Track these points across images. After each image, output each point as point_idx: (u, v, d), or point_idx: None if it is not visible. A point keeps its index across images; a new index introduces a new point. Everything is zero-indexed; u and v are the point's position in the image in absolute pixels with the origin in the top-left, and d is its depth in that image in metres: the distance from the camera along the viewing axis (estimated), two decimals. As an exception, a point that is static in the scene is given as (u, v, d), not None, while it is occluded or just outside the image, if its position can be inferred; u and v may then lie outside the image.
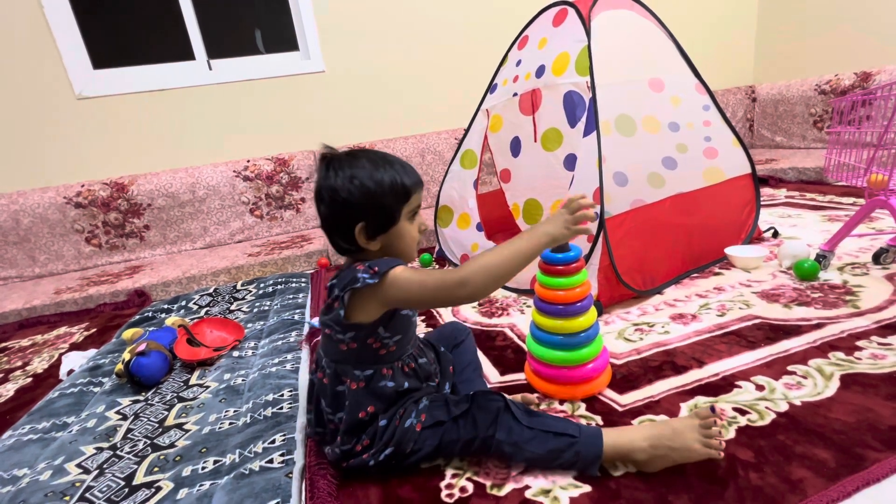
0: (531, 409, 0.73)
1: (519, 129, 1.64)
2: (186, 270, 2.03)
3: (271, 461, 0.79)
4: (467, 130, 1.78)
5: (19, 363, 1.46)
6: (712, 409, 0.67)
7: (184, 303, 1.74)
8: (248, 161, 2.50)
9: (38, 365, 1.42)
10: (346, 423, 0.74)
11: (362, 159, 0.69)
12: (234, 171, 2.47)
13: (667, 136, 1.48)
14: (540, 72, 1.50)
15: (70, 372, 1.29)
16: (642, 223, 1.31)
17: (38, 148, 2.29)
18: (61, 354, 1.46)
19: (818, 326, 1.00)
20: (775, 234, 1.60)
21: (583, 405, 0.85)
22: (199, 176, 2.43)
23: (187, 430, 0.94)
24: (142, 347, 1.14)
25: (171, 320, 1.36)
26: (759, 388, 0.83)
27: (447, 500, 0.68)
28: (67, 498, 0.79)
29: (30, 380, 1.32)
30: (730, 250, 1.42)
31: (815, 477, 0.63)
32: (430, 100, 2.73)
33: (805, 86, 2.78)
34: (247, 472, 0.77)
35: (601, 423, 0.80)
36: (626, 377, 0.92)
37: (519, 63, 1.63)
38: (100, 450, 0.91)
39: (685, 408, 0.80)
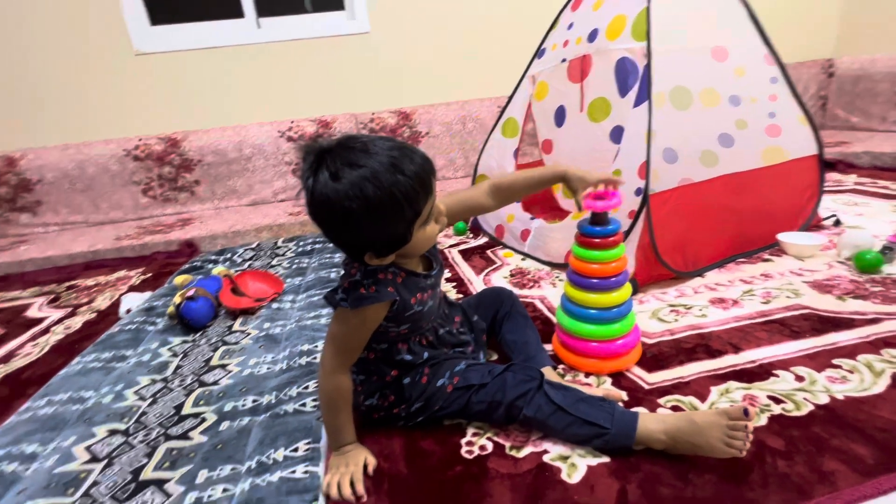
0: (567, 389, 0.72)
1: (565, 98, 1.57)
2: (232, 225, 2.13)
3: (304, 405, 0.85)
4: (511, 98, 1.73)
5: (85, 300, 1.60)
6: (745, 411, 0.61)
7: (229, 255, 1.84)
8: (292, 122, 2.54)
9: (101, 302, 1.56)
10: (366, 386, 0.77)
11: (360, 164, 0.57)
12: (279, 132, 2.53)
13: (726, 111, 1.38)
14: (593, 36, 1.42)
15: (128, 311, 1.40)
16: (689, 202, 1.25)
17: (100, 102, 2.42)
18: (121, 295, 1.59)
19: (874, 321, 0.93)
20: (837, 223, 1.49)
21: (608, 380, 0.85)
22: (246, 134, 2.50)
23: (229, 371, 1.02)
24: (191, 293, 1.22)
25: (218, 270, 1.44)
26: (799, 378, 0.79)
27: (466, 455, 0.71)
28: (126, 419, 0.88)
29: (94, 315, 1.45)
30: (783, 236, 1.33)
31: (849, 471, 0.61)
32: (474, 65, 2.65)
33: (893, 61, 2.49)
34: (281, 413, 0.83)
35: (626, 398, 0.79)
36: (657, 357, 0.90)
37: (570, 26, 1.55)
38: (153, 381, 1.00)
39: (715, 392, 0.78)
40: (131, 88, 2.42)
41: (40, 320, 1.46)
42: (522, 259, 1.52)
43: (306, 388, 0.90)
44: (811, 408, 0.72)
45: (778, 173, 1.38)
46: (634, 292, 1.16)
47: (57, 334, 1.34)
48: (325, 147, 0.59)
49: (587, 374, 0.87)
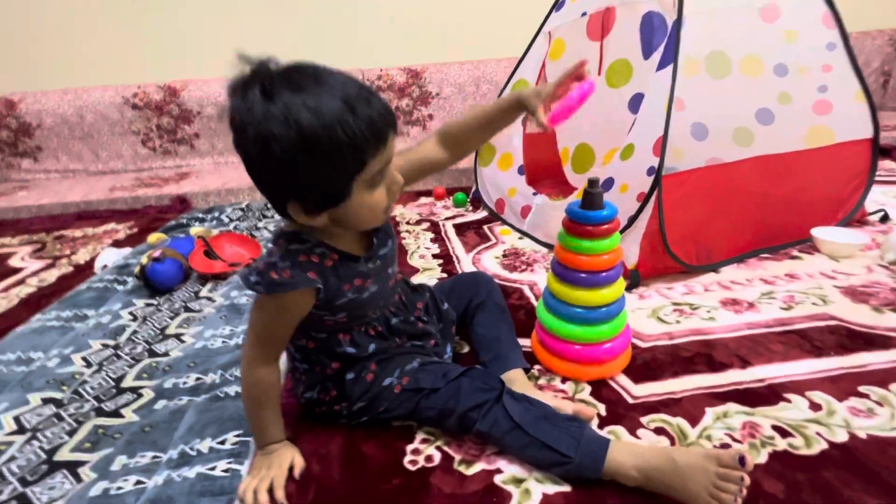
0: (531, 404, 0.61)
1: (582, 58, 1.39)
2: (226, 182, 2.05)
3: (247, 388, 0.77)
4: (523, 56, 1.55)
5: (68, 252, 1.56)
6: (741, 459, 0.50)
7: (217, 214, 1.77)
8: (295, 75, 2.40)
9: (82, 256, 1.51)
10: (308, 377, 0.68)
11: (297, 94, 0.46)
12: (281, 85, 2.39)
13: (769, 82, 1.19)
14: (618, -16, 1.22)
15: (104, 267, 1.35)
16: (712, 185, 1.09)
17: (98, 47, 2.32)
18: (107, 247, 1.54)
19: (915, 342, 0.79)
20: (884, 219, 1.30)
21: (588, 388, 0.74)
22: (247, 87, 2.38)
23: (183, 342, 0.95)
24: (157, 254, 1.14)
25: (195, 230, 1.37)
26: (815, 406, 0.67)
27: (409, 466, 0.62)
28: (65, 388, 0.82)
29: (71, 269, 1.41)
30: (818, 231, 1.16)
31: (862, 534, 0.49)
32: (491, 20, 2.42)
33: (978, 33, 2.16)
34: (222, 396, 0.76)
35: (603, 413, 0.69)
36: (648, 364, 0.78)
37: (595, -27, 1.34)
38: (105, 346, 0.95)
39: (710, 414, 0.67)
40: (129, 35, 2.31)
41: (19, 270, 1.43)
42: (520, 238, 1.39)
43: (254, 369, 0.82)
44: (824, 446, 0.60)
45: (821, 157, 1.20)
46: (636, 285, 1.03)
47: (30, 287, 1.30)
48: (269, 67, 0.48)
49: (564, 380, 0.76)
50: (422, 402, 0.65)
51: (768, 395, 0.70)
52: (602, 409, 0.69)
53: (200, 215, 1.76)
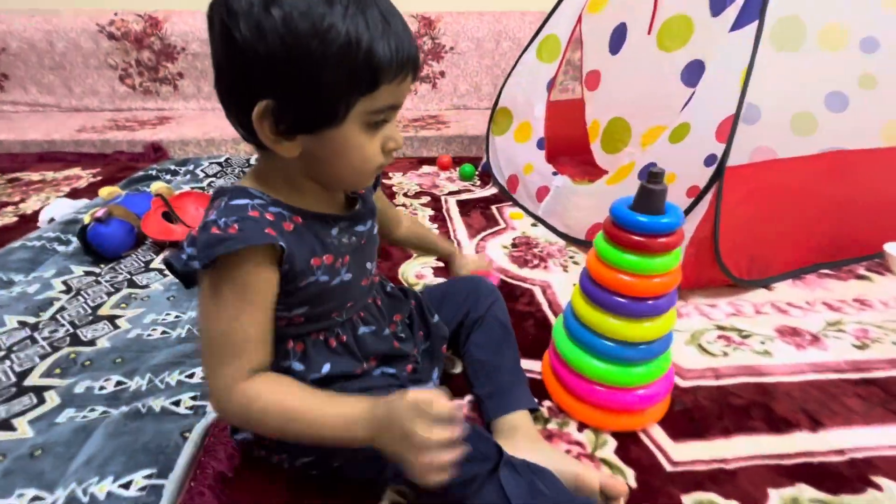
0: (536, 476, 0.44)
1: (629, 13, 1.15)
2: (208, 132, 1.83)
3: (178, 403, 0.61)
4: (555, 7, 1.30)
5: (18, 199, 1.37)
6: None
7: (192, 167, 1.56)
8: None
9: (32, 204, 1.33)
10: None
11: None
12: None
13: (851, 59, 0.96)
14: (688, -85, 0.97)
15: (51, 221, 1.17)
16: (771, 185, 0.88)
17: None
18: (58, 197, 1.35)
19: None
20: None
21: (612, 441, 0.57)
22: (238, 23, 2.11)
23: (117, 328, 0.78)
24: (100, 213, 0.96)
25: (156, 186, 1.17)
26: (915, 500, 0.50)
27: (368, 545, 0.46)
28: (-45, 380, 0.66)
29: (15, 219, 1.23)
30: (893, 247, 0.97)
31: None
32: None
33: None
34: (143, 412, 0.59)
35: (633, 483, 0.52)
36: (690, 413, 0.61)
37: None
38: (22, 325, 0.78)
39: (777, 498, 0.50)
40: (106, -53, 2.02)
41: (-44, 216, 1.25)
42: (533, 224, 1.20)
43: (191, 375, 0.65)
44: (938, 569, 0.44)
45: (905, 158, 0.98)
46: (672, 300, 0.85)
47: (-39, 238, 1.12)
48: None
49: (581, 427, 0.59)
50: (388, 469, 0.47)
51: (851, 475, 0.53)
52: (630, 476, 0.53)
53: (173, 167, 1.55)
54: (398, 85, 0.40)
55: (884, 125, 1.01)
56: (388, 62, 0.37)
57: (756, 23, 0.78)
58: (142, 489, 0.50)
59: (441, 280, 0.92)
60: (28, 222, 1.21)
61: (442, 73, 2.28)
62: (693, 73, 0.98)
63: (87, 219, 0.98)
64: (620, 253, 0.52)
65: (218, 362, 0.41)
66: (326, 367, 0.49)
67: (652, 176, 0.49)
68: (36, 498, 0.49)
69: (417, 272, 0.96)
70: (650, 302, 0.53)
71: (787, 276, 0.93)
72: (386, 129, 0.42)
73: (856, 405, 0.63)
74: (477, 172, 1.53)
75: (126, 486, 0.50)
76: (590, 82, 1.34)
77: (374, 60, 0.37)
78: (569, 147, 1.42)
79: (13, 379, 0.66)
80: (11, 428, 0.58)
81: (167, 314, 0.81)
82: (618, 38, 1.19)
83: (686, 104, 0.89)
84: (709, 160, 0.79)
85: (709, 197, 0.79)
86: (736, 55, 0.80)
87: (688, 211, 0.81)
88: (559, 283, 0.92)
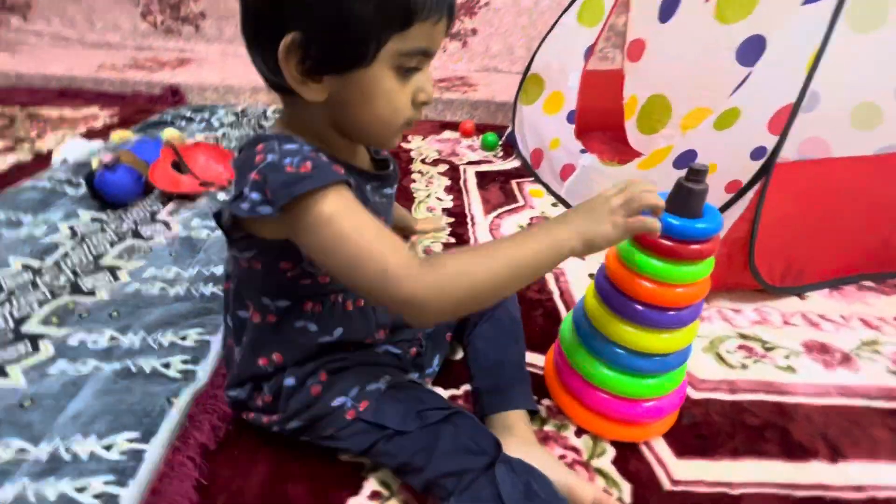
0: (532, 476, 0.42)
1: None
2: (228, 77, 1.78)
3: (168, 366, 0.60)
4: (605, -38, 1.17)
5: (34, 134, 1.37)
6: None
7: (207, 115, 1.53)
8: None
9: (49, 143, 1.31)
10: (239, 366, 0.49)
11: None
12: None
13: None
14: None
15: (63, 161, 1.15)
16: (819, 185, 0.79)
17: None
18: (73, 138, 1.33)
19: None
20: None
21: (610, 451, 0.54)
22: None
23: (116, 279, 0.77)
24: (108, 159, 0.93)
25: (167, 134, 1.14)
26: (937, 551, 0.46)
27: (345, 534, 0.45)
28: (-42, 320, 0.66)
29: (30, 157, 1.22)
30: (949, 264, 0.88)
31: None
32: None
33: None
34: (134, 371, 0.59)
35: (627, 499, 0.49)
36: (698, 427, 0.57)
37: None
38: (25, 268, 0.77)
39: (782, 533, 0.47)
40: None
41: (-27, 149, 1.25)
42: (553, 204, 1.14)
43: (184, 337, 0.64)
44: None
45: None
46: (693, 301, 0.79)
47: (-24, 172, 1.12)
48: None
49: (579, 432, 0.56)
50: (381, 444, 0.47)
51: (868, 515, 0.49)
52: (626, 491, 0.50)
53: (189, 114, 1.51)
54: (433, 26, 0.37)
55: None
56: (418, 3, 0.35)
57: (836, -2, 0.67)
58: (123, 453, 0.49)
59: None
60: (43, 160, 1.20)
61: (474, 31, 2.13)
62: (751, 50, 0.88)
63: (94, 164, 0.96)
64: (645, 256, 0.47)
65: (381, 256, 0.36)
66: (339, 331, 0.48)
67: (693, 173, 0.43)
68: (21, 450, 0.49)
69: (427, 248, 0.92)
70: (672, 313, 0.48)
71: (823, 285, 0.86)
72: (417, 78, 0.40)
73: (883, 437, 0.58)
74: (500, 143, 1.45)
75: (108, 447, 0.49)
76: (632, 53, 1.23)
77: (408, 4, 0.35)
78: (602, 122, 1.32)
79: (11, 325, 0.66)
80: (5, 374, 0.58)
81: (167, 270, 0.79)
82: (670, 4, 1.07)
83: (739, 86, 0.80)
84: (757, 153, 0.71)
85: (750, 194, 0.71)
86: (806, 33, 0.70)
87: (725, 207, 0.74)
88: (574, 271, 0.87)
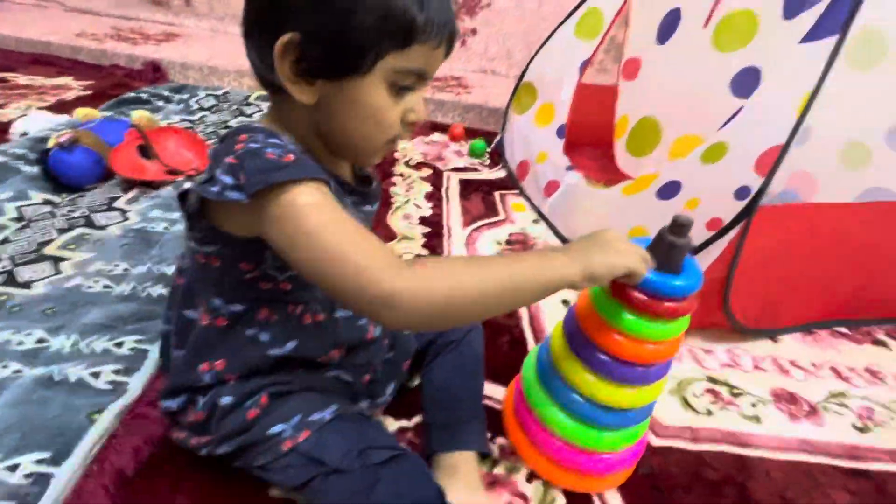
0: None
1: (686, -1, 0.99)
2: (213, 57, 1.71)
3: (97, 375, 0.55)
4: (607, -26, 1.13)
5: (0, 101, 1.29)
6: None
7: (187, 96, 1.46)
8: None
9: (11, 111, 1.24)
10: (176, 373, 0.45)
11: None
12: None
13: None
14: None
15: (24, 135, 1.09)
16: (801, 229, 0.78)
17: None
18: (39, 109, 1.26)
19: None
20: None
21: (561, 500, 0.51)
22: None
23: (59, 272, 0.71)
24: (64, 138, 0.87)
25: (136, 115, 1.08)
26: None
27: (265, 583, 0.41)
28: None
29: (-12, 126, 1.15)
30: (922, 316, 0.87)
31: None
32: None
33: None
34: (57, 379, 0.54)
35: (573, 557, 0.46)
36: (655, 479, 0.55)
37: None
38: (-41, 252, 0.72)
39: None
40: None
41: (-72, 113, 1.17)
42: (535, 221, 1.11)
43: (120, 344, 0.59)
44: None
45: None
46: (665, 338, 0.77)
47: (-74, 138, 1.05)
48: None
49: (531, 477, 0.53)
50: (317, 481, 0.43)
51: (820, 590, 0.47)
52: (572, 550, 0.47)
53: (167, 93, 1.45)
54: (432, 50, 0.38)
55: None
56: (426, 20, 0.36)
57: (836, 38, 0.65)
58: (28, 475, 0.45)
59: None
60: (3, 132, 1.13)
61: (474, 31, 2.09)
62: (746, 82, 0.85)
63: (50, 142, 0.90)
64: (624, 313, 0.44)
65: (360, 251, 0.33)
66: (292, 345, 0.45)
67: (674, 225, 0.40)
68: (-86, 466, 0.45)
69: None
70: (640, 369, 0.45)
71: (797, 329, 0.85)
72: (410, 98, 0.40)
73: (843, 501, 0.56)
74: (488, 150, 1.41)
75: (12, 468, 0.45)
76: (628, 71, 1.20)
77: (412, 14, 0.35)
78: (592, 136, 1.29)
79: (-68, 316, 0.61)
80: (-87, 373, 0.53)
81: (116, 265, 0.74)
82: (669, 25, 1.04)
83: (729, 120, 0.77)
84: (741, 192, 0.69)
85: (731, 234, 0.69)
86: (801, 73, 0.68)
87: (704, 245, 0.71)
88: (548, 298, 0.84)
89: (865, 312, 0.90)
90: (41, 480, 0.44)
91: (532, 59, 1.28)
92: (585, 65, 1.18)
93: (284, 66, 0.36)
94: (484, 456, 0.53)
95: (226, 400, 0.44)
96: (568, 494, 0.52)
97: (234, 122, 1.36)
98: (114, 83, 1.54)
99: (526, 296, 0.38)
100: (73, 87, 1.48)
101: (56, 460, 0.46)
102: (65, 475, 0.45)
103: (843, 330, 0.88)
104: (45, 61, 1.64)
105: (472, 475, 0.50)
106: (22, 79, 1.48)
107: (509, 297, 0.37)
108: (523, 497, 0.51)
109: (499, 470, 0.54)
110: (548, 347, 0.52)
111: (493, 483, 0.52)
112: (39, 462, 0.46)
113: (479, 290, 0.35)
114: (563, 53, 1.20)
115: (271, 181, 0.33)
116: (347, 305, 0.35)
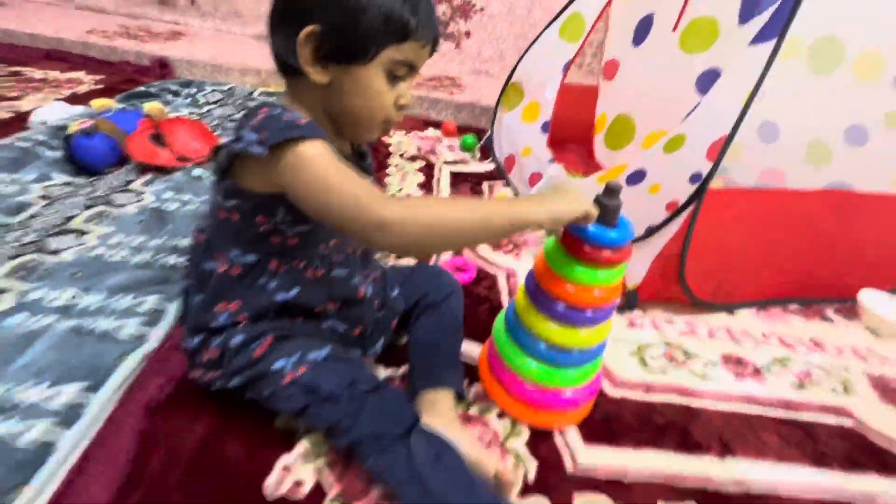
0: (444, 450, 0.48)
1: (657, 4, 1.08)
2: (218, 55, 1.79)
3: (120, 328, 0.63)
4: (587, -17, 1.22)
5: (15, 94, 1.37)
6: None
7: (194, 91, 1.54)
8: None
9: (29, 103, 1.32)
10: (196, 315, 0.53)
11: None
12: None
13: (881, 94, 0.92)
14: None
15: (43, 124, 1.16)
16: (762, 210, 0.87)
17: None
18: (56, 100, 1.34)
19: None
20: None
21: (526, 434, 0.59)
22: (264, -57, 2.01)
23: (82, 243, 0.79)
24: (86, 125, 0.95)
25: (148, 106, 1.16)
26: (794, 539, 0.53)
27: (270, 487, 0.49)
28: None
29: (8, 116, 1.23)
30: (867, 296, 0.96)
31: None
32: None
33: None
34: (87, 330, 0.62)
35: (532, 476, 0.55)
36: (610, 422, 0.63)
37: None
38: (-7, 224, 0.79)
39: (663, 516, 0.53)
40: None
41: (-48, 103, 1.25)
42: (519, 209, 1.19)
43: (141, 303, 0.67)
44: None
45: (909, 209, 0.96)
46: (631, 308, 0.85)
47: (-47, 126, 1.12)
48: None
49: (501, 414, 0.61)
50: (312, 407, 0.51)
51: (742, 502, 0.55)
52: (532, 469, 0.55)
53: (175, 87, 1.53)
54: (420, 47, 0.47)
55: (897, 170, 0.98)
56: (418, 23, 0.45)
57: (774, 42, 0.73)
58: (63, 404, 0.52)
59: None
60: (20, 121, 1.20)
61: (468, 34, 2.18)
62: (709, 81, 0.94)
63: (72, 128, 0.98)
64: (569, 262, 0.52)
65: (349, 207, 0.41)
66: (295, 290, 0.53)
67: (607, 191, 0.48)
68: (-28, 393, 0.52)
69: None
70: (589, 313, 0.54)
71: (752, 304, 0.93)
72: (401, 86, 0.48)
73: (772, 441, 0.64)
74: (479, 145, 1.50)
75: (48, 399, 0.53)
76: (607, 71, 1.29)
77: (408, 17, 0.44)
78: (574, 133, 1.38)
79: (-24, 275, 0.68)
80: (-37, 321, 0.61)
81: (134, 238, 0.82)
82: (643, 28, 1.13)
83: (691, 112, 0.86)
84: (694, 178, 0.77)
85: (685, 215, 0.77)
86: (748, 72, 0.76)
87: (663, 224, 0.80)
88: (524, 272, 0.92)
89: (819, 292, 0.99)
90: (79, 405, 0.52)
91: (520, 60, 1.36)
92: (568, 65, 1.26)
93: (305, 51, 0.44)
94: (460, 398, 0.61)
95: (236, 340, 0.52)
96: (532, 431, 0.60)
97: (237, 116, 1.44)
98: (124, 78, 1.63)
99: (497, 230, 0.45)
100: (86, 81, 1.56)
101: (93, 388, 0.54)
102: (100, 402, 0.53)
103: (797, 307, 0.96)
104: (58, 57, 1.72)
105: (448, 410, 0.58)
106: (37, 72, 1.56)
107: (482, 231, 0.44)
108: (494, 431, 0.59)
109: (472, 410, 0.62)
110: (514, 305, 0.61)
111: (467, 420, 0.60)
112: (80, 390, 0.54)
113: (457, 221, 0.43)
114: (548, 55, 1.29)
115: (287, 136, 0.41)
116: (348, 231, 0.43)
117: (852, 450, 0.65)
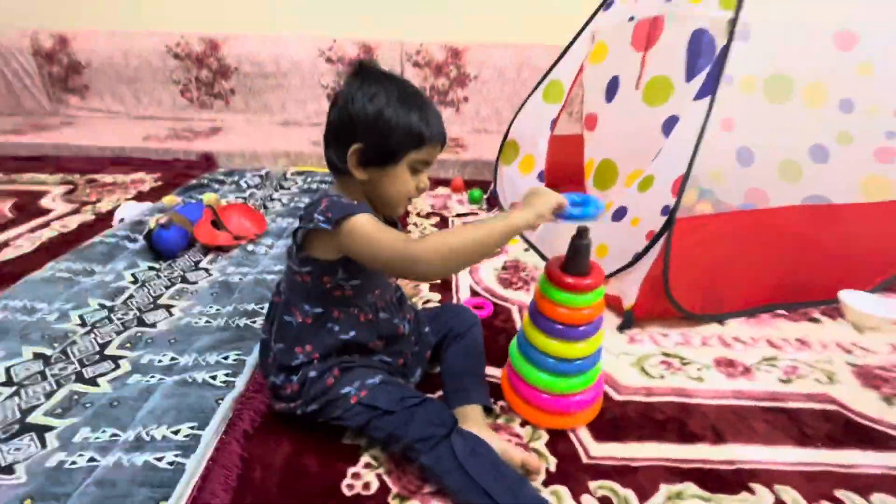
0: (480, 446, 0.62)
1: (622, 68, 1.29)
2: (252, 144, 2.07)
3: (215, 377, 0.79)
4: (562, 55, 1.45)
5: (94, 198, 1.63)
6: None
7: (236, 178, 1.80)
8: (334, 41, 2.36)
9: (106, 204, 1.58)
10: (280, 358, 0.69)
11: (396, 85, 0.62)
12: (319, 50, 2.36)
13: (830, 117, 1.08)
14: (672, -8, 1.11)
15: (122, 221, 1.41)
16: (739, 226, 1.01)
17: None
18: (127, 200, 1.60)
19: (920, 447, 0.72)
20: (931, 288, 1.17)
21: (545, 436, 0.72)
22: (285, 48, 2.37)
23: (171, 315, 0.98)
24: (164, 220, 1.18)
25: (207, 198, 1.39)
26: (780, 504, 0.63)
27: (346, 490, 0.63)
28: (56, 346, 0.87)
29: (93, 217, 1.48)
30: (847, 295, 1.06)
31: None
32: (540, 3, 2.28)
33: None
34: (189, 381, 0.78)
35: (553, 468, 0.67)
36: (616, 421, 0.75)
37: (651, -26, 1.22)
38: (101, 307, 0.99)
39: (664, 492, 0.63)
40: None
41: (48, 212, 1.51)
42: (526, 249, 1.35)
43: (226, 357, 0.84)
44: (776, 554, 0.57)
45: (876, 214, 1.08)
46: (628, 327, 0.98)
47: (52, 231, 1.37)
48: (370, 67, 0.64)
49: (523, 423, 0.74)
50: (374, 420, 0.65)
51: (733, 481, 0.66)
52: (553, 463, 0.67)
53: (221, 177, 1.79)
54: (433, 148, 0.64)
55: (863, 179, 1.12)
56: (431, 133, 0.63)
57: (710, 98, 0.91)
58: (187, 436, 0.68)
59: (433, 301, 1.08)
60: (103, 220, 1.45)
61: (465, 99, 2.45)
62: (672, 125, 1.11)
63: (151, 223, 1.20)
64: (557, 290, 0.67)
65: (391, 254, 0.58)
66: (353, 333, 0.69)
67: (578, 234, 0.64)
68: (114, 434, 0.69)
69: (414, 284, 1.13)
70: (580, 328, 0.68)
71: (740, 313, 1.05)
72: (421, 175, 0.66)
73: (760, 428, 0.75)
74: (485, 197, 1.69)
75: (175, 432, 0.69)
76: (588, 123, 1.49)
77: (423, 131, 0.62)
78: (568, 176, 1.55)
79: (97, 348, 0.87)
80: (96, 384, 0.79)
81: (210, 307, 1.01)
82: (612, 88, 1.33)
83: (655, 157, 1.02)
84: (664, 210, 0.93)
85: (661, 241, 0.92)
86: (694, 121, 0.93)
87: (644, 252, 0.94)
88: (535, 304, 1.07)
89: (803, 297, 1.10)
90: (195, 438, 0.68)
91: (512, 121, 1.58)
92: (555, 122, 1.47)
93: (353, 161, 0.62)
94: (488, 411, 0.74)
95: (312, 374, 0.67)
96: (550, 432, 0.72)
97: (276, 196, 1.67)
98: (176, 173, 1.91)
99: (499, 240, 0.59)
100: (147, 179, 1.84)
101: (202, 426, 0.69)
102: (209, 434, 0.68)
103: (784, 313, 1.07)
104: (121, 162, 2.02)
105: (479, 419, 0.71)
106: (107, 178, 1.85)
107: (488, 243, 0.59)
108: (518, 436, 0.72)
109: (500, 420, 0.75)
110: (523, 329, 0.75)
111: (495, 428, 0.73)
112: (192, 428, 0.69)
113: (468, 242, 0.58)
114: (535, 115, 1.50)
115: (345, 213, 0.59)
116: (392, 269, 0.61)
117: (834, 430, 0.75)
